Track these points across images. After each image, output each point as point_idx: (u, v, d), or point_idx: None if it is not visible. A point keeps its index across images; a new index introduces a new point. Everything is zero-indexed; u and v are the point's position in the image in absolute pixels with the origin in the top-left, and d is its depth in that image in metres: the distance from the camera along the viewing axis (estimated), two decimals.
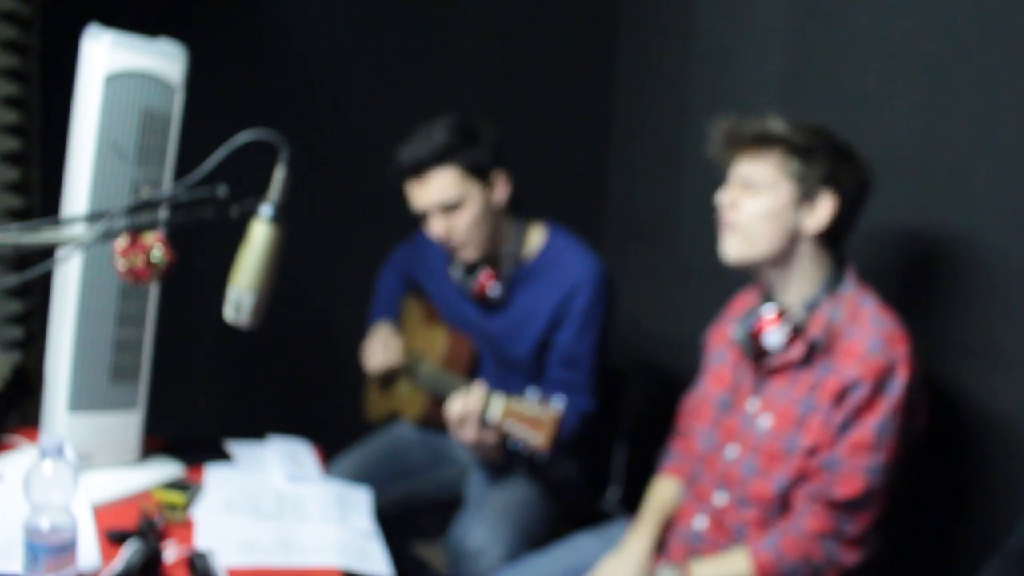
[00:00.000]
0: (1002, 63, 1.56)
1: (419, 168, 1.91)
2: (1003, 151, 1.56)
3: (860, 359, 1.48)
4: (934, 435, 1.66)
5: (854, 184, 1.56)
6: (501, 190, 1.98)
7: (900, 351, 1.48)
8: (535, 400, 1.73)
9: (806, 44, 2.12)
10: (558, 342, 2.01)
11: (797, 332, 1.56)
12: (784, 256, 1.57)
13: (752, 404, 1.64)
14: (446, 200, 1.91)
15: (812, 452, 1.52)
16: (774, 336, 1.57)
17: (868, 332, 1.50)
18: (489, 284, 2.03)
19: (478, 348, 2.15)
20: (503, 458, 1.94)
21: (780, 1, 2.22)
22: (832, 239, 1.57)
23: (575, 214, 2.27)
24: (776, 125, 1.56)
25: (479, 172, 1.94)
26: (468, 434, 1.81)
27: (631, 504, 1.87)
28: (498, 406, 1.75)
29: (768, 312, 1.58)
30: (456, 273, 2.09)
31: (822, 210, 1.54)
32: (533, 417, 1.71)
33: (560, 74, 2.96)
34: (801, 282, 1.58)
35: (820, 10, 2.07)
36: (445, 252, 2.11)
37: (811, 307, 1.56)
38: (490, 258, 2.03)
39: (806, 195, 1.54)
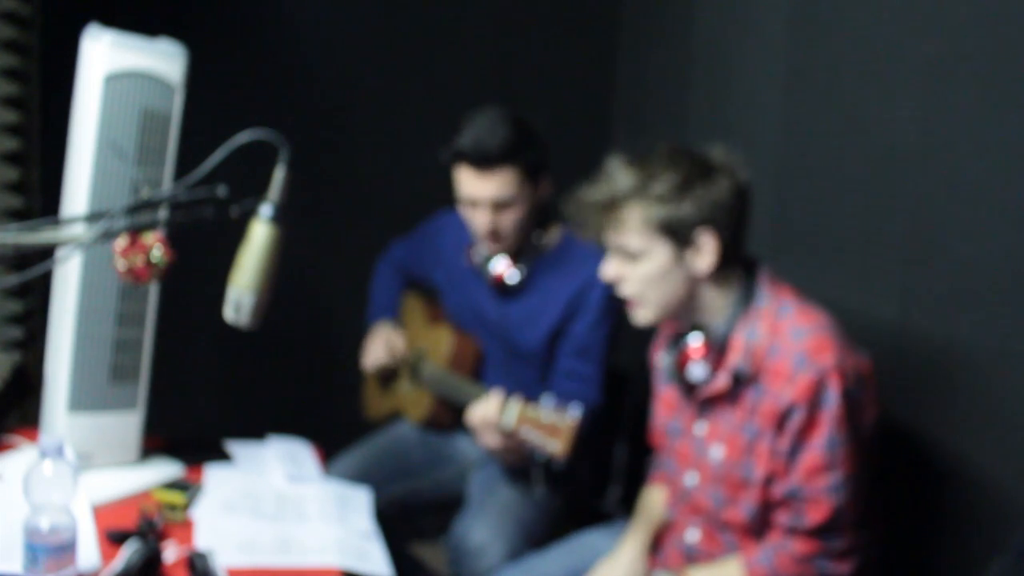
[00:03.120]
0: (1002, 63, 1.56)
1: (484, 161, 1.90)
2: (1003, 151, 1.56)
3: (788, 380, 1.43)
4: (934, 431, 1.66)
5: (728, 202, 1.47)
6: (544, 190, 2.01)
7: (826, 360, 1.42)
8: (551, 406, 1.72)
9: (806, 44, 2.11)
10: (572, 331, 2.03)
11: (718, 359, 1.52)
12: (691, 298, 1.53)
13: (700, 428, 1.60)
14: (504, 197, 1.93)
15: (768, 482, 1.49)
16: (697, 369, 1.53)
17: (790, 348, 1.45)
18: (508, 270, 2.05)
19: (485, 341, 2.15)
20: (523, 463, 1.94)
21: (780, 1, 2.21)
22: (729, 259, 1.51)
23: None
24: (621, 181, 1.48)
25: (533, 174, 1.96)
26: (491, 441, 1.81)
27: (631, 504, 1.87)
28: (513, 412, 1.75)
29: (694, 341, 1.54)
30: (477, 258, 2.09)
31: (707, 249, 1.47)
32: (549, 424, 1.70)
33: (560, 74, 2.96)
34: (713, 309, 1.53)
35: (820, 11, 2.07)
36: (462, 237, 2.13)
37: (726, 332, 1.51)
38: (511, 247, 2.05)
39: (684, 242, 1.48)
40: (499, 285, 2.07)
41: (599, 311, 2.01)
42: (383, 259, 2.40)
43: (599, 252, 2.04)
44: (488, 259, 2.07)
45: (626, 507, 2.10)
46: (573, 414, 1.69)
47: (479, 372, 2.15)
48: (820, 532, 1.47)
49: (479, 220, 1.97)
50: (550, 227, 2.08)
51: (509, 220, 1.96)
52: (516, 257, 2.06)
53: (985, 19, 1.59)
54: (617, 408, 2.29)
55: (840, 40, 1.99)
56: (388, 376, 2.31)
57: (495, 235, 1.98)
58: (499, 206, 1.94)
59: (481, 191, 1.93)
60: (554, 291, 2.04)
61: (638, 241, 1.49)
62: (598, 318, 2.02)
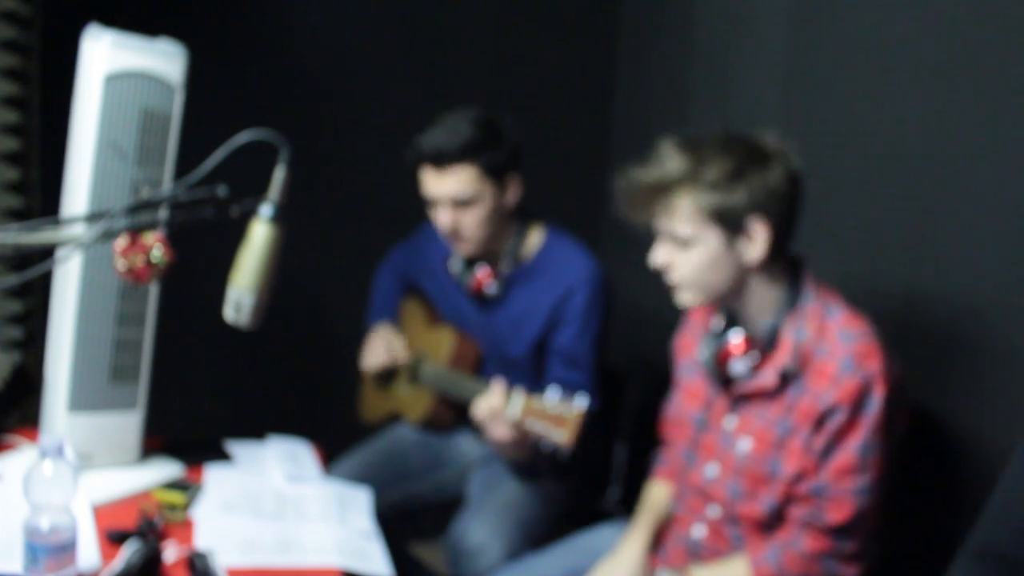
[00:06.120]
0: (1003, 62, 1.56)
1: (440, 159, 1.90)
2: (1004, 150, 1.56)
3: (834, 381, 1.43)
4: (935, 429, 1.66)
5: (781, 189, 1.44)
6: (513, 192, 1.98)
7: (874, 367, 1.42)
8: (556, 397, 1.72)
9: (806, 44, 2.12)
10: (558, 342, 2.01)
11: (764, 355, 1.51)
12: (740, 289, 1.51)
13: (730, 422, 1.59)
14: (460, 195, 1.92)
15: (797, 479, 1.49)
16: (739, 364, 1.53)
17: (838, 350, 1.44)
18: (487, 281, 2.04)
19: (481, 347, 2.15)
20: (529, 458, 1.94)
21: (780, 1, 2.22)
22: (779, 251, 1.49)
23: (575, 214, 2.27)
24: (673, 165, 1.44)
25: (496, 173, 1.94)
26: (500, 432, 1.79)
27: (631, 504, 1.87)
28: (518, 404, 1.75)
29: (735, 337, 1.54)
30: (455, 268, 2.09)
31: (759, 238, 1.46)
32: (556, 415, 1.70)
33: (560, 74, 2.96)
34: (761, 303, 1.52)
35: (820, 10, 2.07)
36: (445, 247, 2.12)
37: (774, 329, 1.50)
38: (489, 255, 2.04)
39: (736, 230, 1.45)
40: (478, 296, 2.07)
41: (583, 319, 1.99)
42: (383, 264, 2.40)
43: (580, 255, 2.03)
44: (466, 269, 2.06)
45: (626, 506, 2.10)
46: (579, 404, 1.69)
47: (479, 373, 2.15)
48: (835, 532, 1.47)
49: (441, 219, 1.96)
50: (531, 231, 2.06)
51: (470, 219, 1.94)
52: (495, 267, 2.04)
53: (985, 19, 1.60)
54: (616, 407, 2.29)
55: (840, 40, 1.99)
56: (385, 378, 2.31)
57: (456, 234, 1.97)
58: (459, 204, 1.93)
59: (439, 189, 1.93)
60: (535, 301, 2.03)
61: (689, 228, 1.46)
62: (582, 326, 2.00)
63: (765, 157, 1.45)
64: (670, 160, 1.46)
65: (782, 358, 1.49)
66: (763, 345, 1.52)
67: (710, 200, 1.44)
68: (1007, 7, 1.55)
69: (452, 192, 1.91)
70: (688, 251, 1.49)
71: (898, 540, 1.62)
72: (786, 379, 1.50)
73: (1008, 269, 1.55)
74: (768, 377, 1.51)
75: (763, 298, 1.52)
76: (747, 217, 1.45)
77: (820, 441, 1.46)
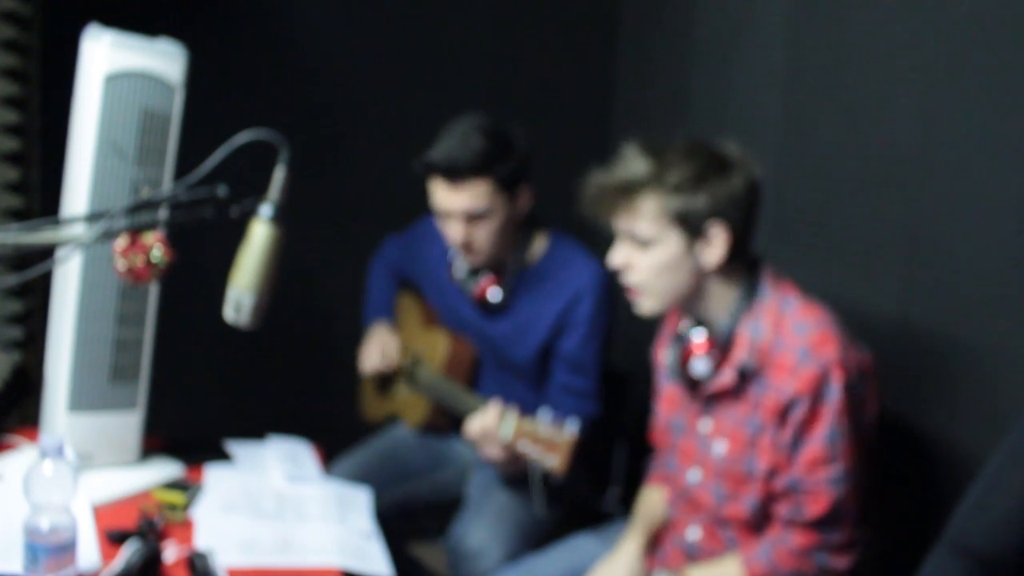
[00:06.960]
0: (1002, 63, 1.56)
1: (454, 173, 1.87)
2: (1003, 149, 1.56)
3: (792, 373, 1.44)
4: (935, 426, 1.66)
5: (741, 196, 1.48)
6: (523, 202, 1.96)
7: (829, 354, 1.43)
8: (548, 421, 1.71)
9: (806, 44, 2.12)
10: (563, 349, 2.01)
11: (723, 355, 1.52)
12: (697, 291, 1.53)
13: (704, 425, 1.60)
14: (474, 210, 1.89)
15: (771, 475, 1.50)
16: (700, 364, 1.54)
17: (794, 343, 1.46)
18: (490, 288, 2.03)
19: (478, 351, 2.14)
20: (522, 475, 1.92)
21: (780, 2, 2.22)
22: (737, 253, 1.51)
23: (575, 216, 2.26)
24: (637, 167, 1.48)
25: (509, 185, 1.91)
26: (492, 453, 1.79)
27: (630, 504, 1.87)
28: (510, 425, 1.74)
29: (697, 336, 1.55)
30: (459, 274, 2.08)
31: (717, 242, 1.48)
32: (547, 439, 1.69)
33: (560, 72, 2.96)
34: (719, 304, 1.54)
35: (820, 10, 2.07)
36: (446, 249, 2.11)
37: (730, 328, 1.52)
38: (493, 262, 2.02)
39: (696, 234, 1.48)
40: (482, 303, 2.06)
41: (589, 325, 1.99)
42: (377, 257, 2.38)
43: (585, 260, 2.01)
44: (470, 276, 2.05)
45: (625, 507, 2.10)
46: (571, 429, 1.68)
47: (475, 377, 2.14)
48: (819, 525, 1.47)
49: (452, 232, 1.94)
50: (535, 238, 2.04)
51: (483, 232, 1.92)
52: (499, 274, 2.03)
53: (985, 19, 1.60)
54: (618, 408, 2.28)
55: (840, 38, 1.99)
56: (385, 380, 2.31)
57: (468, 247, 1.95)
58: (472, 218, 1.90)
59: (452, 204, 1.89)
60: (540, 308, 2.02)
61: (650, 229, 1.49)
62: (588, 333, 1.99)
63: (727, 165, 1.49)
64: (635, 162, 1.50)
65: (739, 356, 1.51)
66: (722, 344, 1.53)
67: (673, 203, 1.47)
68: (1007, 8, 1.55)
69: (466, 207, 1.89)
70: (647, 252, 1.51)
71: (897, 538, 1.62)
72: (745, 376, 1.51)
73: (1007, 266, 1.55)
74: (727, 376, 1.52)
75: (721, 299, 1.54)
76: (707, 222, 1.47)
77: (787, 434, 1.47)
